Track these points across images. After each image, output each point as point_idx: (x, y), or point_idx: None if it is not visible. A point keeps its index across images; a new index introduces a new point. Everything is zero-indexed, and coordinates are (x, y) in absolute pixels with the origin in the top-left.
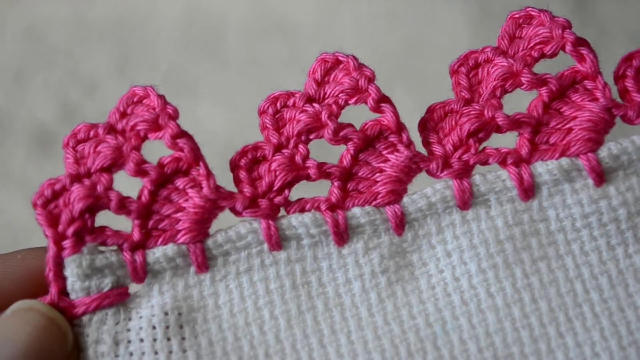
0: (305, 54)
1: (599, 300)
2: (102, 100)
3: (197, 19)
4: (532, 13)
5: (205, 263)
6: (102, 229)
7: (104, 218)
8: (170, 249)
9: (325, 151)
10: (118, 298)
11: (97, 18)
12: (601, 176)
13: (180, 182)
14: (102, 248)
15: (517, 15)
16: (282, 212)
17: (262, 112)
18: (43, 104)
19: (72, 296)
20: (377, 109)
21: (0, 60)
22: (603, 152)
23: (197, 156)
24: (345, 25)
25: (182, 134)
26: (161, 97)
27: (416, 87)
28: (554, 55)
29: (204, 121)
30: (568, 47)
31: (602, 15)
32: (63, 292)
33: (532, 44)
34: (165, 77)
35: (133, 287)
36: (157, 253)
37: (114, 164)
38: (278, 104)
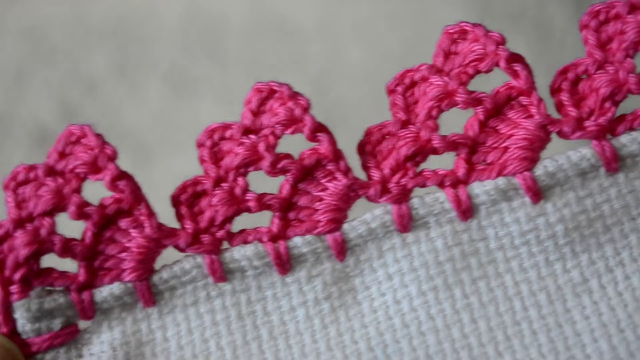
0: (305, 54)
1: (537, 317)
2: (102, 100)
3: (197, 19)
4: (466, 28)
5: (152, 299)
6: (49, 271)
7: (50, 258)
8: (116, 287)
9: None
10: (69, 337)
11: (97, 18)
12: (537, 194)
13: (123, 223)
14: (50, 288)
15: (451, 31)
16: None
17: (200, 145)
18: (43, 104)
19: (24, 336)
20: (313, 138)
21: (0, 60)
22: (539, 170)
23: (138, 197)
24: (346, 25)
25: (122, 175)
26: (99, 136)
27: None
28: (489, 71)
29: (204, 121)
30: (502, 64)
31: None
32: (14, 331)
33: (466, 61)
34: (165, 77)
35: (85, 323)
36: (104, 292)
37: (56, 208)
38: (215, 136)
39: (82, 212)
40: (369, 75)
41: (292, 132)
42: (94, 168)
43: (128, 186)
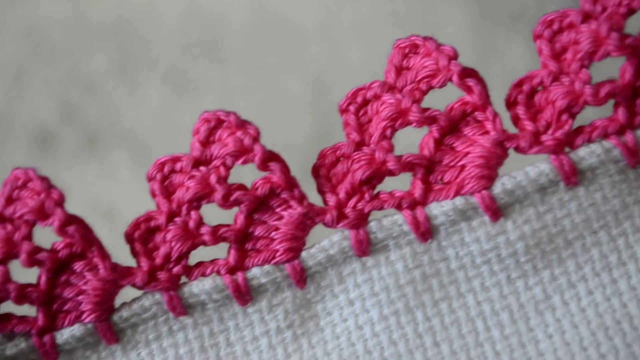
0: (305, 54)
1: (500, 337)
2: (102, 100)
3: (197, 19)
4: (417, 42)
5: (113, 337)
6: (8, 316)
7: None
8: (77, 329)
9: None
10: None
11: (97, 18)
12: (496, 212)
13: (77, 266)
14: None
15: (402, 45)
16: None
17: (150, 179)
18: (43, 104)
19: None
20: (265, 168)
21: (0, 60)
22: (497, 188)
23: (89, 240)
24: (346, 25)
25: (71, 220)
26: (44, 180)
27: None
28: (442, 86)
29: None
30: (455, 79)
31: None
32: None
33: (419, 77)
34: (165, 77)
35: None
36: (65, 334)
37: (7, 256)
38: (165, 169)
39: (33, 259)
40: (369, 75)
41: (243, 163)
42: (42, 214)
43: (78, 231)
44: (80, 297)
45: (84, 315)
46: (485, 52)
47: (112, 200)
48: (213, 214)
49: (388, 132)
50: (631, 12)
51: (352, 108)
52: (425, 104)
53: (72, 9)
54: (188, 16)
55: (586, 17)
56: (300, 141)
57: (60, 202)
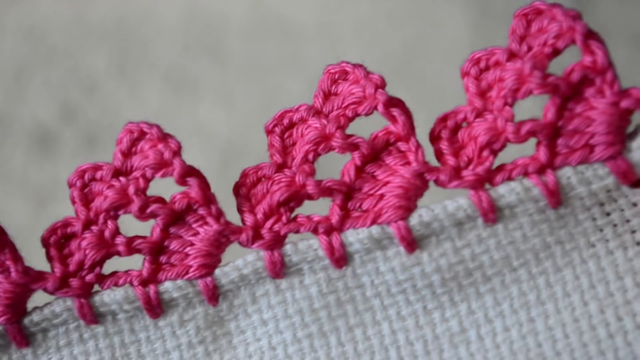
0: (305, 54)
1: None
2: (102, 100)
3: (197, 19)
4: (347, 69)
5: (24, 341)
6: None
7: None
8: None
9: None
10: None
11: (97, 18)
12: (412, 244)
13: None
14: None
15: (332, 70)
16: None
17: (70, 185)
18: (43, 104)
19: None
20: (183, 182)
21: (0, 60)
22: (414, 220)
23: (2, 242)
24: (346, 25)
25: None
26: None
27: (416, 88)
28: (368, 114)
29: (205, 121)
30: (380, 108)
31: (602, 16)
32: None
33: (346, 104)
34: (165, 77)
35: None
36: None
37: None
38: (86, 177)
39: None
40: None
41: (162, 176)
42: None
43: None
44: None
45: None
46: None
47: None
48: (133, 225)
49: (311, 156)
50: (556, 52)
51: (277, 130)
52: (355, 128)
53: (72, 9)
54: (188, 16)
55: (512, 55)
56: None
57: None
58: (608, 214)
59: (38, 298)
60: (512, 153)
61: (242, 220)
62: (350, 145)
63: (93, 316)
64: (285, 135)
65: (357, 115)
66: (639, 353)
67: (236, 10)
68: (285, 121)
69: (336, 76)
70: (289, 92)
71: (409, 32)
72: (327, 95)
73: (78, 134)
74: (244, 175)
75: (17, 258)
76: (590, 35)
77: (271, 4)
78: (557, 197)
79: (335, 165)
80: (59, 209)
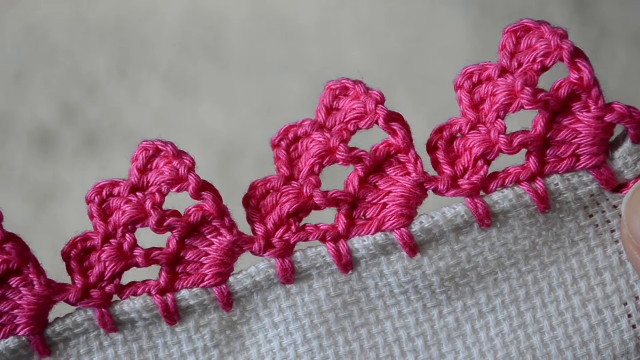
0: (305, 54)
1: None
2: (102, 100)
3: (197, 19)
4: (347, 85)
5: (46, 350)
6: None
7: None
8: (11, 341)
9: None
10: None
11: (97, 18)
12: (414, 249)
13: (13, 281)
14: None
15: (333, 87)
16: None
17: (88, 201)
18: (43, 104)
19: None
20: (198, 197)
21: (0, 60)
22: (415, 226)
23: (25, 257)
24: (346, 25)
25: (7, 238)
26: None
27: (416, 88)
28: (369, 127)
29: (205, 121)
30: (380, 123)
31: (602, 15)
32: None
33: (347, 118)
34: (165, 77)
35: None
36: (0, 346)
37: None
38: (104, 193)
39: None
40: (369, 75)
41: (178, 191)
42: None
43: (14, 248)
44: (15, 311)
45: (19, 328)
46: (485, 52)
47: None
48: (148, 237)
49: (316, 168)
50: (544, 69)
51: (283, 143)
52: (357, 141)
53: (72, 9)
54: (188, 16)
55: (503, 71)
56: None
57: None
58: (591, 216)
59: (58, 309)
60: (500, 158)
61: (253, 230)
62: (354, 158)
63: (113, 324)
64: (291, 149)
65: (358, 129)
66: (617, 344)
67: (236, 10)
68: (290, 135)
69: (337, 92)
70: (289, 92)
71: (409, 33)
72: (329, 110)
73: (78, 134)
74: (253, 187)
75: (40, 271)
76: (576, 53)
77: (271, 4)
78: (545, 202)
79: (336, 175)
80: (59, 209)
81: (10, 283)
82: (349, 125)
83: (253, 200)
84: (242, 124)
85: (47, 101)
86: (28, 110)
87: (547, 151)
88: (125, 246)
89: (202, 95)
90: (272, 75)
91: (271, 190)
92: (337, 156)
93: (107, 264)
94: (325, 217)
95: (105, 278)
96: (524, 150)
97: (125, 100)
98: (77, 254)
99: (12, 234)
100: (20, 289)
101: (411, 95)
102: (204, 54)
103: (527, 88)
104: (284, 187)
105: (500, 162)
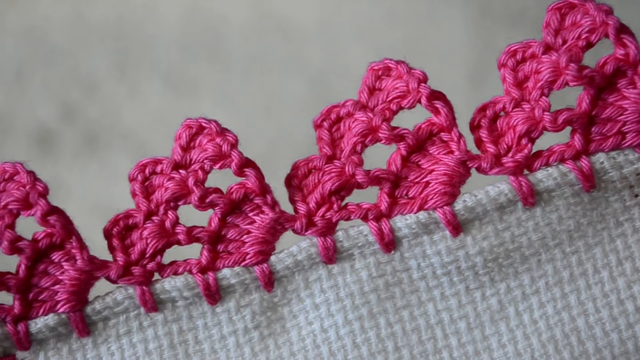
0: (305, 54)
1: (457, 345)
2: (102, 100)
3: (197, 19)
4: (390, 65)
5: (85, 329)
6: None
7: None
8: (51, 318)
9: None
10: None
11: (97, 18)
12: (457, 228)
13: (55, 256)
14: None
15: (376, 67)
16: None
17: (131, 179)
18: (43, 104)
19: None
20: (240, 173)
21: (0, 60)
22: (459, 205)
23: (69, 231)
24: (346, 25)
25: (53, 210)
26: (30, 173)
27: None
28: (412, 107)
29: None
30: (423, 101)
31: None
32: None
33: (390, 98)
34: (165, 77)
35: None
36: (39, 323)
37: None
38: (147, 171)
39: (15, 246)
40: None
41: (220, 167)
42: (26, 204)
43: (59, 221)
44: (56, 287)
45: (59, 305)
46: (485, 52)
47: (111, 200)
48: (190, 215)
49: (359, 147)
50: (589, 45)
51: (325, 124)
52: (397, 122)
53: (72, 9)
54: (188, 16)
55: (547, 48)
56: (301, 141)
57: (44, 193)
58: (637, 196)
59: (97, 290)
60: (545, 138)
61: (295, 210)
62: (397, 137)
63: (153, 303)
64: (333, 129)
65: (401, 108)
66: None
67: (236, 11)
68: (333, 116)
69: (380, 72)
70: (289, 92)
71: (409, 32)
72: (372, 91)
73: (78, 134)
74: (295, 167)
75: (82, 246)
76: (622, 29)
77: (271, 5)
78: (591, 181)
79: (376, 158)
80: None
81: (53, 258)
82: (391, 105)
83: (295, 180)
84: (242, 124)
85: (47, 101)
86: (28, 110)
87: (592, 129)
88: (168, 224)
89: (202, 95)
90: (272, 75)
91: (313, 170)
92: (380, 135)
93: (149, 241)
94: (369, 198)
95: (147, 255)
96: (568, 130)
97: (125, 100)
98: (119, 231)
99: (56, 207)
100: (63, 263)
101: None
102: (204, 54)
103: (572, 64)
104: (326, 166)
105: (545, 142)
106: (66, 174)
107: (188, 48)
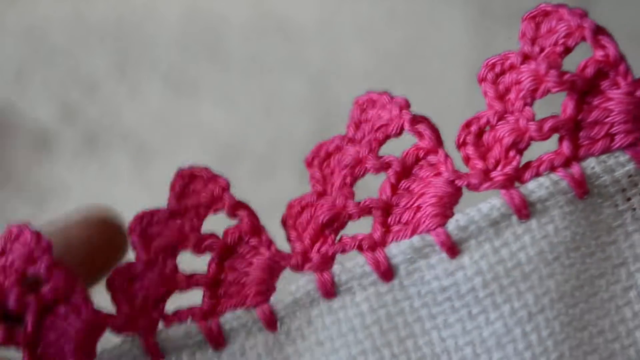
0: (305, 54)
1: None
2: (102, 100)
3: (197, 19)
4: (374, 97)
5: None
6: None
7: None
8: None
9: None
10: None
11: (97, 18)
12: (453, 249)
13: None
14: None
15: (361, 101)
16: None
17: (131, 232)
18: (43, 104)
19: None
20: (233, 215)
21: (0, 60)
22: (451, 225)
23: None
24: (346, 25)
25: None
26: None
27: (416, 87)
28: (398, 134)
29: (205, 121)
30: (406, 127)
31: (602, 15)
32: None
33: (375, 127)
34: (165, 77)
35: None
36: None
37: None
38: (144, 222)
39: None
40: (369, 75)
41: (214, 211)
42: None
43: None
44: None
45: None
46: (485, 52)
47: (112, 200)
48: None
49: (348, 179)
50: (567, 50)
51: (316, 162)
52: (393, 150)
53: (72, 9)
54: (188, 16)
55: (526, 58)
56: (301, 140)
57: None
58: (629, 199)
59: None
60: (533, 149)
61: (292, 248)
62: (383, 165)
63: (159, 352)
64: (324, 166)
65: (387, 136)
66: None
67: (236, 11)
68: (322, 153)
69: (364, 105)
70: (289, 92)
71: (409, 32)
72: (358, 124)
73: (78, 134)
74: (290, 207)
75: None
76: (598, 31)
77: (271, 5)
78: (583, 187)
79: (374, 190)
80: (59, 209)
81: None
82: (377, 134)
83: (290, 220)
84: (242, 124)
85: (47, 101)
86: (28, 110)
87: (580, 134)
88: (167, 271)
89: (202, 95)
90: (272, 75)
91: (306, 207)
92: (367, 165)
93: (149, 289)
94: (365, 230)
95: (149, 303)
96: (556, 138)
97: (125, 100)
98: (120, 287)
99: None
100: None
101: (411, 95)
102: (204, 54)
103: (552, 70)
104: (317, 202)
105: (534, 153)
106: (66, 174)
107: (188, 48)
